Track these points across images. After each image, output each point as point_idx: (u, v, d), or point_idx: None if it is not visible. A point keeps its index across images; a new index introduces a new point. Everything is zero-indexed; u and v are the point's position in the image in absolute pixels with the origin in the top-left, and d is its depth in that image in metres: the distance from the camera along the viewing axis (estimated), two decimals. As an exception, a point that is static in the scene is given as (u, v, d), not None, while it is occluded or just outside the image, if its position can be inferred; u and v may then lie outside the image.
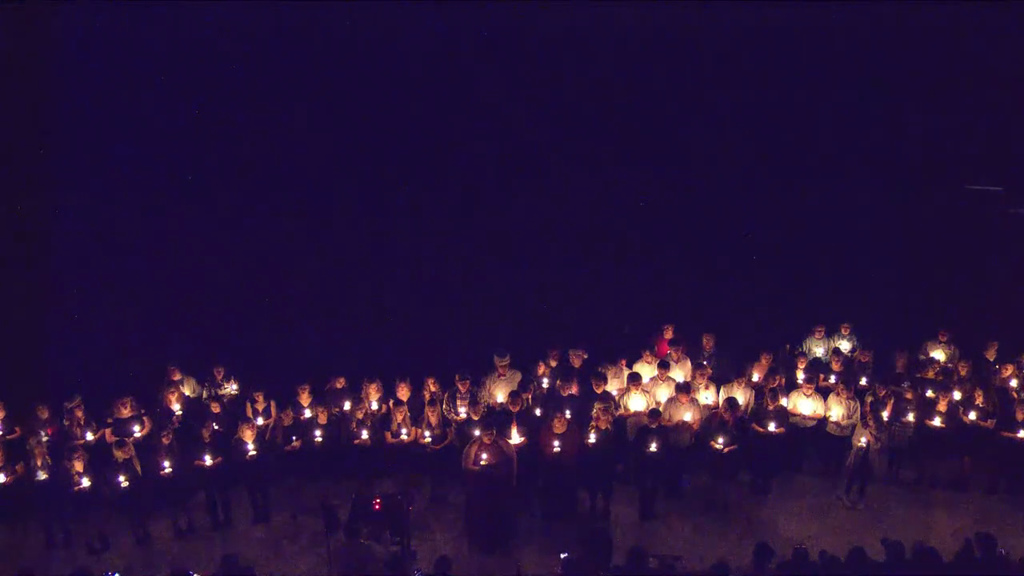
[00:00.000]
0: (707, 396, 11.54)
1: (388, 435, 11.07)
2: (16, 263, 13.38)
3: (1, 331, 12.75)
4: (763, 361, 11.78)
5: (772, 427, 11.06)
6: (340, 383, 11.59)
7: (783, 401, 11.34)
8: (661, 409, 11.09)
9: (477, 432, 10.44)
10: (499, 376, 11.58)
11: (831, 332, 12.61)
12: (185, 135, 14.06)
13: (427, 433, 11.04)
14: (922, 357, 12.26)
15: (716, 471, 11.11)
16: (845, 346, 12.33)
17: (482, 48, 14.39)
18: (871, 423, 10.80)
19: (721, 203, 14.91)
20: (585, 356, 11.86)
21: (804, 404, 11.35)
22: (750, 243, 14.93)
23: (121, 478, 10.16)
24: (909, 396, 11.22)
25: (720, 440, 10.83)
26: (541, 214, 14.89)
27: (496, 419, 10.79)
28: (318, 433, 10.98)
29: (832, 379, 11.73)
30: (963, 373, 11.58)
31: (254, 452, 10.64)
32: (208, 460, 10.53)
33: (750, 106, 14.56)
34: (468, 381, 11.26)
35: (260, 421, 11.13)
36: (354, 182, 14.70)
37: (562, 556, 8.97)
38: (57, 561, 10.34)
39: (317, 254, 14.45)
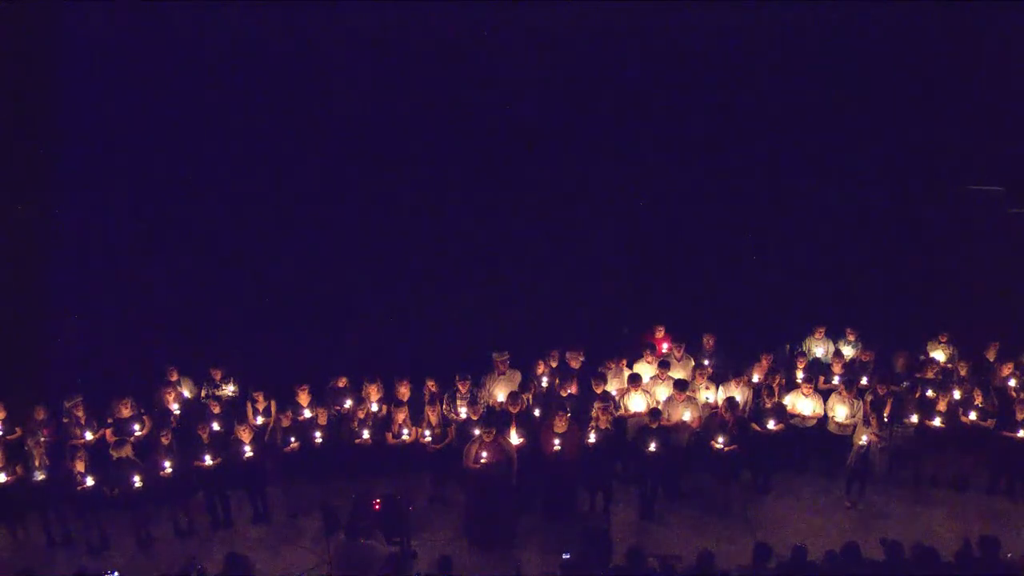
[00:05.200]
0: (708, 396, 11.55)
1: (389, 435, 11.08)
2: (16, 263, 13.37)
3: (1, 331, 12.75)
4: (763, 361, 11.79)
5: (771, 424, 11.07)
6: (342, 382, 11.60)
7: (784, 399, 11.34)
8: (661, 409, 11.09)
9: (477, 431, 10.46)
10: (499, 375, 11.60)
11: (834, 334, 12.58)
12: (185, 135, 14.05)
13: (427, 433, 11.04)
14: (922, 357, 12.25)
15: (716, 471, 11.12)
16: (849, 352, 12.31)
17: (485, 46, 14.37)
18: (873, 422, 10.81)
19: (721, 203, 14.90)
20: (583, 358, 11.87)
21: (804, 404, 11.35)
22: (750, 243, 14.92)
23: (136, 477, 10.16)
24: (914, 396, 11.23)
25: (720, 440, 10.84)
26: (541, 214, 14.88)
27: (496, 419, 10.80)
28: (318, 434, 10.98)
29: (836, 380, 11.73)
30: (963, 373, 11.58)
31: (251, 454, 10.65)
32: (208, 460, 10.54)
33: (750, 106, 14.54)
34: (468, 381, 11.27)
35: (260, 420, 11.14)
36: (354, 181, 14.69)
37: (562, 556, 8.97)
38: (57, 561, 10.36)
39: (317, 254, 14.44)
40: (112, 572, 9.15)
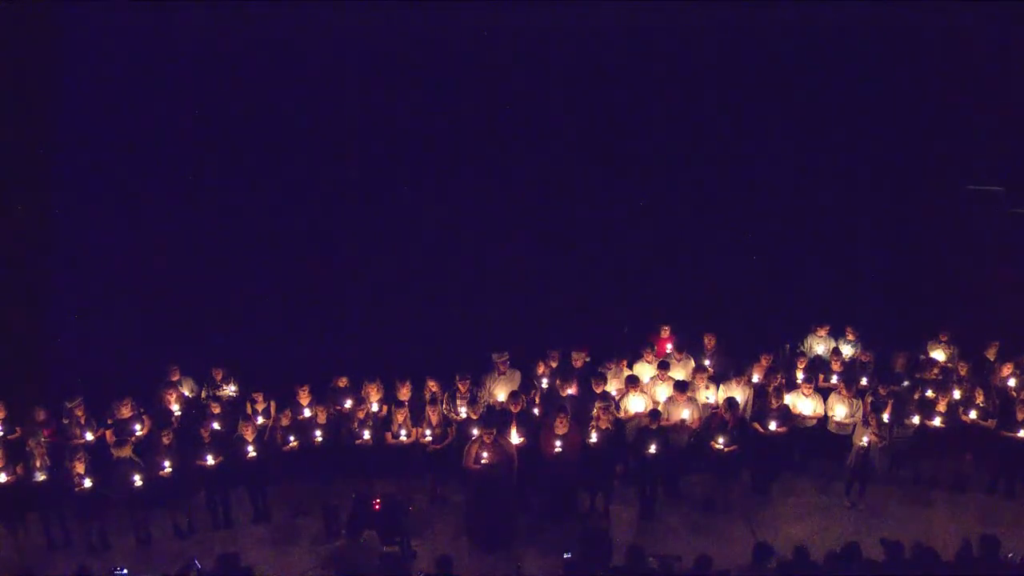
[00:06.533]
0: (708, 396, 11.54)
1: (389, 436, 11.08)
2: (16, 263, 13.37)
3: (1, 331, 12.74)
4: (763, 361, 11.79)
5: (773, 426, 11.07)
6: (343, 382, 11.60)
7: (784, 399, 11.33)
8: (660, 409, 11.09)
9: (476, 431, 10.45)
10: (499, 375, 11.60)
11: (835, 333, 12.57)
12: (186, 135, 14.06)
13: (427, 433, 11.04)
14: (922, 357, 12.25)
15: (716, 471, 11.12)
16: (848, 351, 12.31)
17: (486, 46, 14.38)
18: (872, 423, 10.81)
19: (721, 203, 14.91)
20: (588, 359, 11.86)
21: (804, 404, 11.35)
22: (751, 243, 14.93)
23: (136, 476, 10.16)
24: (915, 397, 11.23)
25: (720, 440, 10.84)
26: (541, 214, 14.90)
27: (496, 419, 10.80)
28: (318, 433, 10.98)
29: (834, 379, 11.73)
30: (963, 373, 11.57)
31: (254, 453, 10.65)
32: (210, 460, 10.54)
33: (750, 105, 14.55)
34: (468, 381, 11.27)
35: (260, 420, 11.14)
36: (354, 181, 14.70)
37: (563, 556, 8.98)
38: (57, 561, 10.36)
39: (317, 254, 14.45)
40: (121, 569, 9.13)
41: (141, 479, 10.23)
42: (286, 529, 10.98)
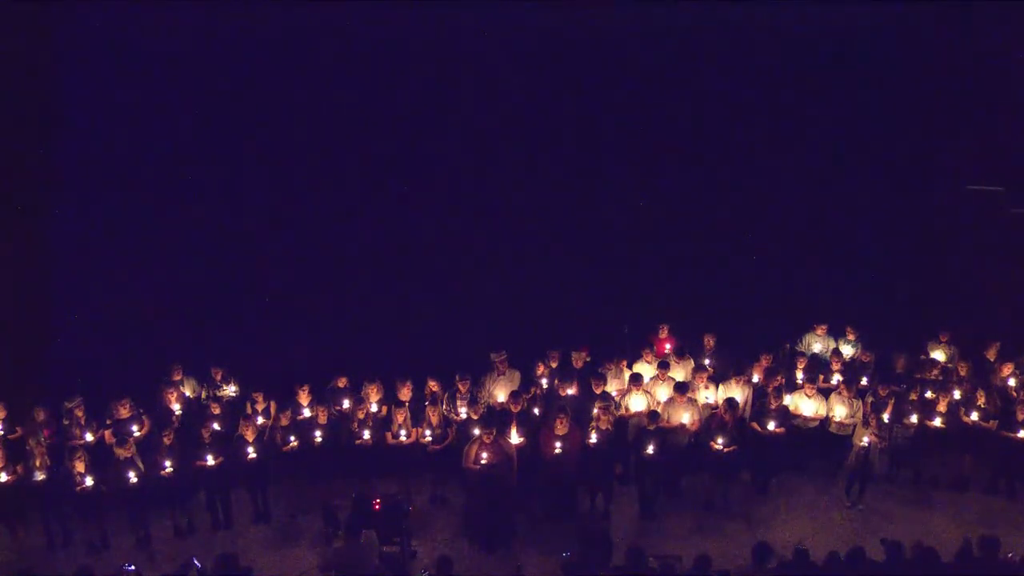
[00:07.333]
0: (708, 396, 11.54)
1: (389, 436, 11.08)
2: (16, 263, 13.36)
3: (1, 331, 12.74)
4: (763, 361, 11.79)
5: (772, 426, 11.07)
6: (342, 382, 11.60)
7: (785, 400, 11.33)
8: (660, 410, 11.09)
9: (477, 432, 10.46)
10: (499, 375, 11.60)
11: (835, 333, 12.56)
12: (186, 135, 14.05)
13: (427, 433, 11.05)
14: (923, 358, 12.25)
15: (716, 471, 11.12)
16: (848, 351, 12.31)
17: (483, 45, 14.36)
18: (872, 423, 10.81)
19: (721, 203, 14.90)
20: (588, 359, 11.86)
21: (806, 405, 11.35)
22: (750, 243, 14.92)
23: (131, 474, 10.18)
24: (914, 397, 11.24)
25: (720, 440, 10.84)
26: (541, 214, 14.89)
27: (496, 419, 10.81)
28: (318, 433, 10.98)
29: (835, 379, 11.72)
30: (963, 373, 11.57)
31: (254, 454, 10.65)
32: (210, 460, 10.54)
33: (749, 106, 14.54)
34: (468, 381, 11.27)
35: (260, 421, 11.15)
36: (354, 182, 14.69)
37: (562, 556, 8.98)
38: (57, 561, 10.36)
39: (317, 254, 14.45)
40: (130, 565, 9.12)
41: (138, 477, 10.24)
42: (286, 529, 10.99)
